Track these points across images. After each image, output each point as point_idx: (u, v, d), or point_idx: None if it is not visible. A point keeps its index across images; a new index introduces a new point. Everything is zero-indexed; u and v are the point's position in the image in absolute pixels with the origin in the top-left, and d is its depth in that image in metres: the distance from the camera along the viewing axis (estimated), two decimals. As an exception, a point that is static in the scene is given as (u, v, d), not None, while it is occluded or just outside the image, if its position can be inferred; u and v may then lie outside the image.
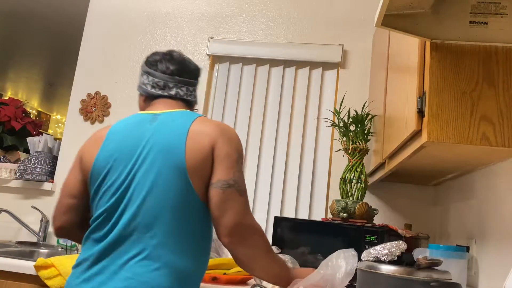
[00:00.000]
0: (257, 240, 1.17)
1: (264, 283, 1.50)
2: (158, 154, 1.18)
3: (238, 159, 1.21)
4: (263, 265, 1.19)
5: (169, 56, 1.40)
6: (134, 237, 1.14)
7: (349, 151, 1.90)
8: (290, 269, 1.25)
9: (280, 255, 1.61)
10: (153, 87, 1.36)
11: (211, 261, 1.67)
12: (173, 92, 1.36)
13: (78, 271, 1.17)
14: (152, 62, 1.39)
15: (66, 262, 1.66)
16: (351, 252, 1.15)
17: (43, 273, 1.66)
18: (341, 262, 1.12)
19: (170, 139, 1.19)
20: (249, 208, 1.18)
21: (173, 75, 1.37)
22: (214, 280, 1.53)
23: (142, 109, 1.41)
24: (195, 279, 1.19)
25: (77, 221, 1.33)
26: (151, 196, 1.15)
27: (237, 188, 1.17)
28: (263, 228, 2.34)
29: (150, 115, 1.29)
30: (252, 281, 1.63)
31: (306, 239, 1.77)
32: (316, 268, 1.20)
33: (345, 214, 1.78)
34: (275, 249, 1.68)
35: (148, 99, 1.38)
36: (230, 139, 1.22)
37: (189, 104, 1.40)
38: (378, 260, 1.07)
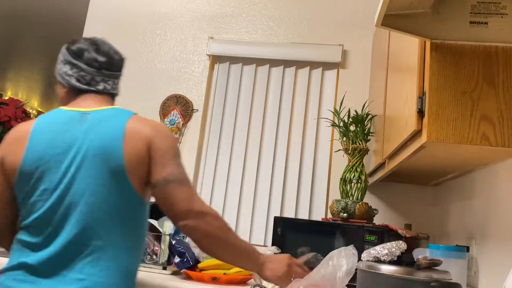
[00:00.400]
0: (211, 221, 1.19)
1: (264, 283, 1.50)
2: (94, 158, 1.16)
3: (174, 155, 1.22)
4: (225, 244, 1.20)
5: (95, 46, 1.32)
6: (81, 240, 1.13)
7: (349, 151, 1.90)
8: (257, 251, 1.26)
9: (280, 255, 1.61)
10: (78, 80, 1.29)
11: (211, 261, 1.67)
12: (100, 87, 1.30)
13: (17, 274, 1.13)
14: (77, 52, 1.30)
15: None
16: (352, 250, 1.15)
17: None
18: (342, 261, 1.12)
19: (106, 142, 1.17)
20: (195, 195, 1.20)
21: (101, 69, 1.30)
22: (214, 280, 1.53)
23: (64, 101, 1.32)
24: (136, 273, 1.23)
25: (4, 225, 1.27)
26: (93, 200, 1.15)
27: (176, 181, 1.19)
28: (263, 228, 2.34)
29: (78, 113, 1.23)
30: (252, 281, 1.63)
31: (306, 239, 1.77)
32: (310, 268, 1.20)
33: (345, 214, 1.78)
34: (274, 249, 1.68)
35: (72, 92, 1.30)
36: (165, 138, 1.23)
37: (114, 97, 1.36)
38: (378, 260, 1.07)
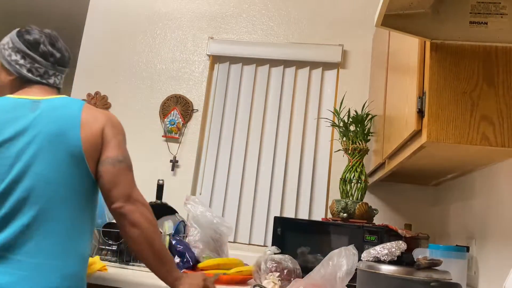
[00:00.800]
0: (145, 212, 1.23)
1: (264, 283, 1.50)
2: (50, 143, 1.19)
3: (123, 140, 1.30)
4: (149, 240, 1.21)
5: (51, 40, 1.36)
6: (39, 223, 1.16)
7: (349, 151, 1.90)
8: (175, 265, 1.28)
9: (280, 255, 1.61)
10: (30, 71, 1.31)
11: (211, 261, 1.67)
12: (51, 80, 1.35)
13: None
14: (33, 43, 1.32)
15: None
16: (352, 250, 1.15)
17: None
18: (342, 261, 1.12)
19: (62, 128, 1.21)
20: (135, 184, 1.27)
21: (55, 64, 1.36)
22: (215, 279, 1.53)
23: (8, 88, 1.33)
24: (88, 257, 1.28)
25: None
26: (52, 184, 1.17)
27: (127, 163, 1.27)
28: (263, 228, 2.34)
29: (29, 101, 1.26)
30: (252, 281, 1.63)
31: (306, 239, 1.78)
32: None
33: (345, 214, 1.78)
34: (274, 249, 1.68)
35: (18, 81, 1.32)
36: (116, 124, 1.31)
37: (59, 91, 1.41)
38: (378, 260, 1.07)
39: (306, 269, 1.47)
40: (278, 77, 2.51)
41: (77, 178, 1.22)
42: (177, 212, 2.00)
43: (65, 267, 1.17)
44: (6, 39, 1.35)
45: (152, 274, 1.27)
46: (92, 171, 1.24)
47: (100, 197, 1.74)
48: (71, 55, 1.44)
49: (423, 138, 1.13)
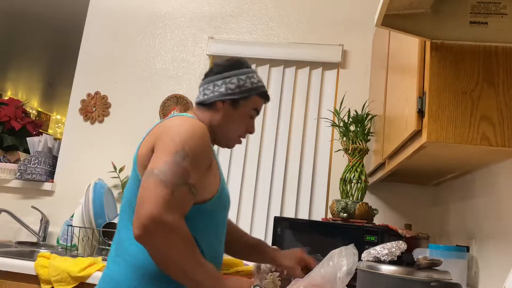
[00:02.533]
0: (173, 241, 1.03)
1: (264, 283, 1.50)
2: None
3: (176, 151, 1.10)
4: (179, 269, 1.06)
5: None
6: (116, 233, 1.26)
7: (349, 151, 1.90)
8: (219, 278, 1.11)
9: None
10: None
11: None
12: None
13: None
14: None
15: (59, 259, 1.75)
16: (352, 250, 1.15)
17: (39, 261, 1.75)
18: (343, 261, 1.12)
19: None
20: (172, 203, 1.04)
21: None
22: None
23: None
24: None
25: None
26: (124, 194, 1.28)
27: (161, 178, 1.05)
28: (263, 228, 2.33)
29: None
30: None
31: (306, 239, 1.77)
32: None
33: (345, 214, 1.78)
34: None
35: None
36: (170, 132, 1.16)
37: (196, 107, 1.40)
38: (378, 260, 1.07)
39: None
40: (278, 77, 2.50)
41: (135, 186, 1.20)
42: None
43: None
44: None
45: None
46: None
47: (100, 198, 1.75)
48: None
49: (423, 138, 1.13)
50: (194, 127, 1.17)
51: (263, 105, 1.43)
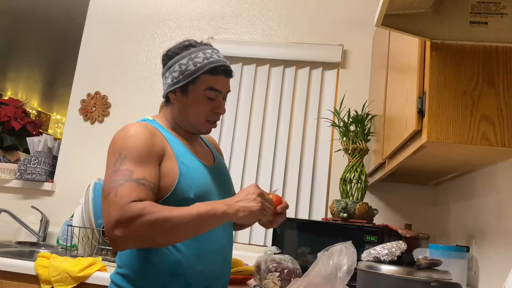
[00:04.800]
0: (138, 228, 1.03)
1: (264, 283, 1.50)
2: None
3: (115, 161, 1.13)
4: (164, 237, 1.07)
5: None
6: None
7: (349, 151, 1.90)
8: (211, 205, 1.09)
9: (280, 255, 1.61)
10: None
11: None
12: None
13: None
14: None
15: (59, 259, 1.74)
16: (352, 248, 1.15)
17: (39, 261, 1.74)
18: (343, 260, 1.12)
19: None
20: (118, 203, 1.04)
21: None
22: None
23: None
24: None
25: None
26: None
27: (105, 190, 1.09)
28: (263, 228, 2.33)
29: None
30: (252, 281, 1.63)
31: (306, 239, 1.77)
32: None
33: (345, 214, 1.78)
34: (274, 249, 1.68)
35: None
36: (111, 146, 1.19)
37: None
38: (378, 260, 1.07)
39: (306, 269, 1.47)
40: (278, 77, 2.50)
41: None
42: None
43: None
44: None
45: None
46: None
47: (99, 198, 1.75)
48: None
49: (423, 138, 1.13)
50: (124, 130, 1.20)
51: (227, 80, 1.30)
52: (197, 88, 1.26)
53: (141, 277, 1.18)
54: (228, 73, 1.29)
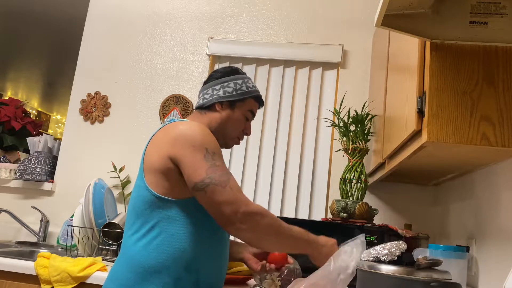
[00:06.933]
0: (257, 222, 1.18)
1: (264, 283, 1.50)
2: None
3: (204, 155, 1.21)
4: (273, 243, 1.24)
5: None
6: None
7: (349, 151, 1.90)
8: (309, 236, 1.28)
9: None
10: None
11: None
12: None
13: None
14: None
15: (59, 259, 1.74)
16: (361, 247, 1.15)
17: (39, 261, 1.74)
18: (350, 262, 1.12)
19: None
20: (237, 194, 1.17)
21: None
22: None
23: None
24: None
25: None
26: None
27: (215, 183, 1.17)
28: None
29: None
30: (252, 281, 1.63)
31: (306, 239, 1.77)
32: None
33: (345, 214, 1.78)
34: (275, 249, 1.68)
35: None
36: (191, 140, 1.24)
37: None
38: (378, 260, 1.07)
39: (306, 269, 1.47)
40: (278, 77, 2.51)
41: (139, 189, 1.33)
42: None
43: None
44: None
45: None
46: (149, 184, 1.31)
47: (100, 198, 1.79)
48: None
49: (423, 138, 1.13)
50: (193, 126, 1.27)
51: (258, 110, 1.53)
52: (243, 107, 1.44)
53: (154, 270, 1.21)
54: (262, 104, 1.52)
